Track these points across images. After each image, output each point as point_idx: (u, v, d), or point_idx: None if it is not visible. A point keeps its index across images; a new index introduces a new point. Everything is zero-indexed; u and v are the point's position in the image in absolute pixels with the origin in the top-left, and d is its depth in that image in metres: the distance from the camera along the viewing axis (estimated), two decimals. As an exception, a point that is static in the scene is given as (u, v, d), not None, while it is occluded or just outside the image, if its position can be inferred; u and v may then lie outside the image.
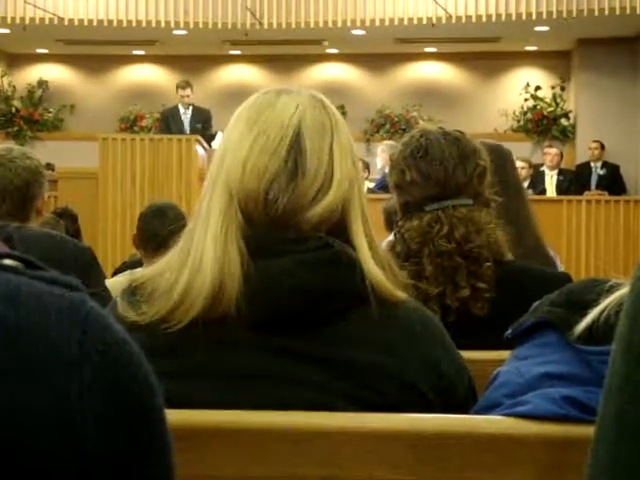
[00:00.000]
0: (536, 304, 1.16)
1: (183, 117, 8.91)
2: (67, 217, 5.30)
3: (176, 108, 9.00)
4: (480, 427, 1.08)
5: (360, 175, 1.27)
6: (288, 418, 1.10)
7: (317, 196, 1.18)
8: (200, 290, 1.14)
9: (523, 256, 2.07)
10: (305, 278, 1.13)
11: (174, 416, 0.59)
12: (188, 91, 8.96)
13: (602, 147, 10.40)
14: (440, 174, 1.89)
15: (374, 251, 1.21)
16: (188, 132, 8.59)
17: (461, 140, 1.94)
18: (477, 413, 1.15)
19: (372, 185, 8.48)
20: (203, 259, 1.15)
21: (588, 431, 0.73)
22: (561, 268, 2.56)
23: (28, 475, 0.51)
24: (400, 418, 1.10)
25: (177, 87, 9.14)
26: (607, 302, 0.97)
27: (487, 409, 1.13)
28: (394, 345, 1.17)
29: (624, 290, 0.95)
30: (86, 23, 10.71)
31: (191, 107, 8.95)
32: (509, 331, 1.17)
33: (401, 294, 1.20)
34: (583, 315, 1.02)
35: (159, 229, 3.24)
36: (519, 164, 9.56)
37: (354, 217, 1.21)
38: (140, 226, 3.45)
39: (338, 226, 1.20)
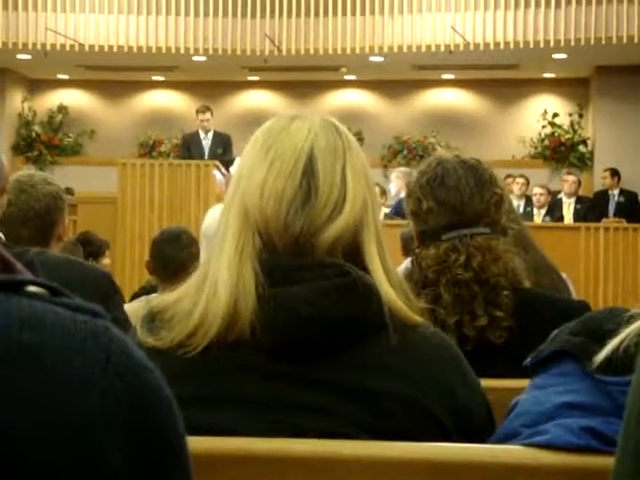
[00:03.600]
0: (555, 333, 1.15)
1: (204, 142, 8.96)
2: (88, 243, 5.33)
3: (197, 133, 9.04)
4: (498, 457, 1.07)
5: (375, 198, 1.27)
6: (304, 446, 1.10)
7: (331, 217, 1.18)
8: (216, 313, 1.15)
9: (535, 275, 2.06)
10: (323, 306, 1.14)
11: (189, 442, 0.60)
12: (208, 115, 9.01)
13: (616, 175, 10.34)
14: (457, 202, 1.89)
15: (389, 274, 1.21)
16: (208, 157, 8.64)
17: (477, 168, 1.94)
18: (495, 442, 1.14)
19: (387, 210, 8.49)
20: (218, 282, 1.16)
21: (607, 462, 0.72)
22: (572, 289, 2.58)
23: None
24: (417, 447, 1.10)
25: (197, 112, 9.20)
26: (627, 332, 0.97)
27: (505, 438, 1.12)
28: (411, 372, 1.17)
29: (643, 320, 0.95)
30: (106, 49, 10.82)
31: (211, 132, 9.01)
32: (528, 360, 1.16)
33: (417, 318, 1.21)
34: (602, 345, 1.01)
35: (172, 255, 3.26)
36: (538, 190, 9.57)
37: (368, 240, 1.22)
38: (153, 252, 3.47)
39: (353, 249, 1.21)
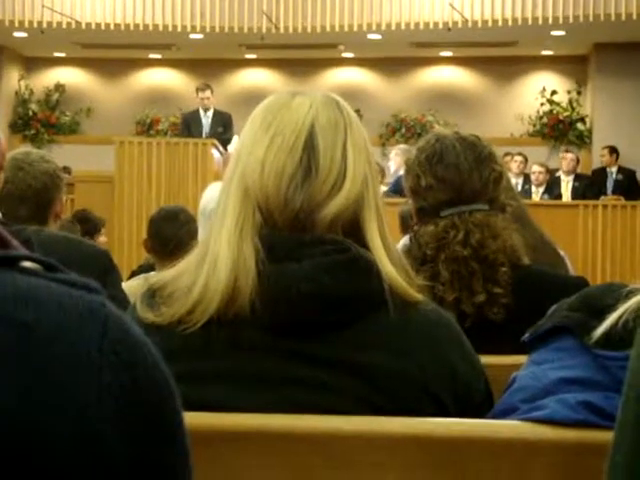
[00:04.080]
0: (553, 308, 1.16)
1: (203, 120, 8.89)
2: (85, 221, 5.32)
3: (196, 111, 8.98)
4: (497, 432, 1.08)
5: (376, 175, 1.27)
6: (304, 422, 1.10)
7: (331, 193, 1.18)
8: (216, 289, 1.15)
9: (533, 252, 2.06)
10: (323, 283, 1.14)
11: (188, 419, 0.59)
12: (208, 93, 8.95)
13: (614, 152, 10.32)
14: (455, 179, 1.89)
15: (389, 251, 1.21)
16: (208, 135, 8.58)
17: (477, 145, 1.94)
18: (494, 418, 1.15)
19: (386, 188, 8.47)
20: (218, 258, 1.16)
21: (605, 436, 0.73)
22: (570, 266, 2.58)
23: (42, 476, 0.51)
24: (416, 422, 1.10)
25: (197, 90, 9.13)
26: (625, 307, 0.97)
27: (504, 414, 1.12)
28: (410, 349, 1.17)
29: (642, 295, 0.95)
30: (103, 27, 10.77)
31: (211, 110, 8.94)
32: (526, 335, 1.17)
33: (417, 294, 1.21)
34: (601, 320, 1.01)
35: (170, 233, 3.25)
36: (536, 169, 9.56)
37: (369, 217, 1.21)
38: (151, 230, 3.46)
39: (353, 226, 1.21)
